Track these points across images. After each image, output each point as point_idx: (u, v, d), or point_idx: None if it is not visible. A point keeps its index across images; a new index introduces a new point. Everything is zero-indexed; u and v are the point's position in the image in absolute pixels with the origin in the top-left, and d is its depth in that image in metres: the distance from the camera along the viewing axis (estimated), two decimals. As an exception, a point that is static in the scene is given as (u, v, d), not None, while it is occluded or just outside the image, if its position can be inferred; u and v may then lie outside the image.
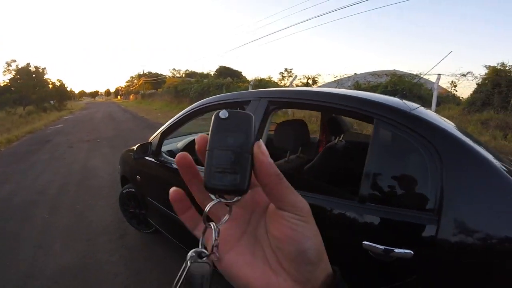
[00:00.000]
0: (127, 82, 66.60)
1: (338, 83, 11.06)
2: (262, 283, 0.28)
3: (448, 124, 1.29)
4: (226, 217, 0.28)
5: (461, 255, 0.96)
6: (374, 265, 1.09)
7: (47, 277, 2.28)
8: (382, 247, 1.04)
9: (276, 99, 1.54)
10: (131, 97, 48.66)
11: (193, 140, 2.24)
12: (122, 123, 13.30)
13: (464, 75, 8.26)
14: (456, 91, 10.29)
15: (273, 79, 16.50)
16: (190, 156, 0.28)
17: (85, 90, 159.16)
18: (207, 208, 0.28)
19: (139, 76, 50.73)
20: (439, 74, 6.43)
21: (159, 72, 45.98)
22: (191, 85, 19.79)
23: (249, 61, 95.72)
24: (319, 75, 13.53)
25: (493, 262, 0.94)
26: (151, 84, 41.80)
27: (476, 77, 8.65)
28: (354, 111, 1.26)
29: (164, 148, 2.34)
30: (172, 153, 2.38)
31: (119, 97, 66.63)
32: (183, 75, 42.57)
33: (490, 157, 1.05)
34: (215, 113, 0.27)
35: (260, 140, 0.27)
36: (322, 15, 16.27)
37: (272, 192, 0.27)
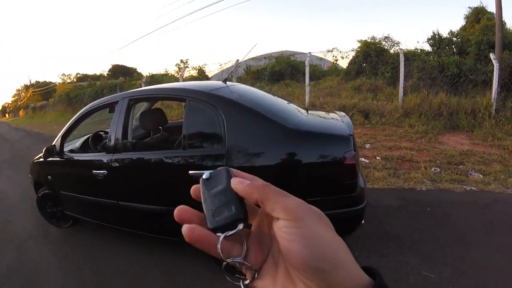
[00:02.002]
0: (13, 96, 57.74)
1: (224, 71, 12.36)
2: None
3: (246, 92, 2.38)
4: (244, 248, 0.34)
5: (242, 166, 2.01)
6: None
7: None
8: (199, 172, 2.07)
9: (132, 97, 2.50)
10: (21, 112, 42.79)
11: (87, 139, 3.05)
12: (17, 142, 12.39)
13: (330, 50, 10.30)
14: (337, 64, 12.49)
15: (169, 71, 17.19)
16: (195, 231, 0.33)
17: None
18: (218, 246, 0.32)
19: (26, 87, 44.64)
20: (310, 53, 8.06)
21: (48, 80, 41.35)
22: (84, 90, 19.39)
23: (145, 56, 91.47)
24: (206, 64, 14.84)
25: (255, 166, 1.99)
26: (41, 95, 37.53)
27: (353, 50, 10.74)
28: (176, 96, 2.33)
29: (65, 148, 3.07)
30: (72, 151, 3.12)
31: (7, 115, 57.39)
32: (75, 80, 39.28)
33: (258, 106, 2.12)
34: (201, 178, 0.37)
35: (234, 178, 0.34)
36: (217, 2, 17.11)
37: (263, 203, 0.31)
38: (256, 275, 0.33)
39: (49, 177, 3.16)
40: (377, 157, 4.89)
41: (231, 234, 0.33)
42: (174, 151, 2.28)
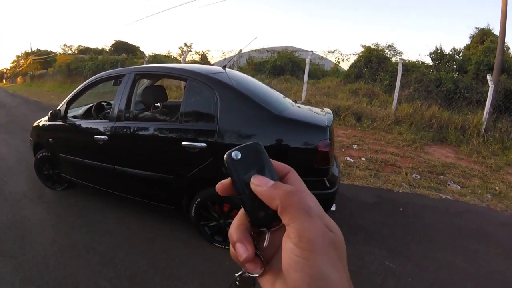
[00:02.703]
0: (12, 62, 57.11)
1: (226, 60, 12.61)
2: None
3: (242, 79, 2.65)
4: (268, 234, 0.33)
5: (230, 143, 2.26)
6: (189, 155, 2.38)
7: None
8: (191, 143, 2.33)
9: (139, 72, 2.78)
10: (19, 79, 42.54)
11: (90, 108, 3.30)
12: (14, 108, 12.50)
13: (331, 51, 10.58)
14: (340, 66, 12.81)
15: (172, 54, 17.54)
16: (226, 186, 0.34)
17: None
18: (266, 243, 0.33)
19: (27, 54, 44.26)
20: (311, 51, 8.30)
21: (49, 49, 41.08)
22: (84, 63, 19.38)
23: (149, 35, 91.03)
24: (209, 51, 15.14)
25: (241, 144, 2.31)
26: (40, 64, 37.32)
27: (354, 54, 11.03)
28: (178, 75, 2.61)
29: (69, 114, 3.31)
30: (75, 117, 3.36)
31: (4, 81, 56.81)
32: (76, 52, 39.06)
33: (250, 92, 2.38)
34: (227, 154, 0.32)
35: (254, 177, 0.32)
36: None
37: (281, 214, 0.30)
38: (262, 272, 0.32)
39: (50, 139, 3.40)
40: (362, 158, 5.16)
41: (274, 229, 0.33)
42: (171, 123, 2.55)
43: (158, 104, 3.55)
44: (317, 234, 0.28)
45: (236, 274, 0.34)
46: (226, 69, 2.72)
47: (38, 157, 3.64)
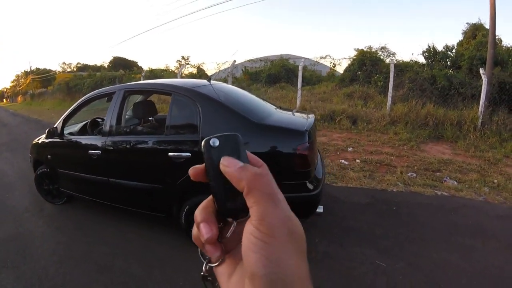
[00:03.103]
0: (12, 82, 58.32)
1: (220, 71, 12.95)
2: None
3: (226, 90, 2.82)
4: (234, 224, 0.33)
5: None
6: (176, 165, 2.51)
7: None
8: (177, 153, 2.47)
9: (128, 89, 2.95)
10: (19, 98, 43.37)
11: (85, 124, 3.47)
12: (15, 127, 12.79)
13: (323, 57, 10.78)
14: (335, 70, 12.99)
15: (170, 67, 18.17)
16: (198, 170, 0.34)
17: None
18: (230, 232, 0.33)
19: (26, 73, 45.15)
20: (304, 58, 8.49)
21: (48, 68, 42.02)
22: (83, 80, 20.01)
23: (147, 50, 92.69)
24: (204, 63, 15.59)
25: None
26: (40, 82, 38.14)
27: (346, 58, 11.20)
28: (163, 90, 2.82)
29: (65, 131, 3.50)
30: (71, 134, 3.54)
31: (4, 100, 57.89)
32: (75, 69, 39.88)
33: (232, 102, 2.53)
34: (204, 141, 0.33)
35: (223, 158, 0.32)
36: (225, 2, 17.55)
37: (247, 196, 0.30)
38: (220, 261, 0.33)
39: (48, 156, 3.59)
40: (357, 160, 5.25)
41: (240, 221, 0.32)
42: (158, 136, 2.74)
43: (152, 118, 3.72)
44: (278, 221, 0.28)
45: (203, 269, 0.35)
46: (212, 81, 2.87)
47: (38, 173, 3.80)
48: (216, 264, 0.34)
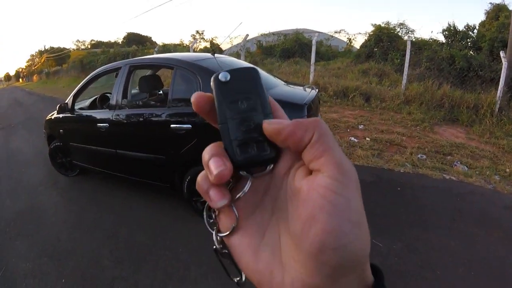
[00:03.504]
0: (27, 61, 59.64)
1: (233, 46, 12.91)
2: (261, 279, 0.24)
3: (231, 63, 2.91)
4: (248, 184, 0.26)
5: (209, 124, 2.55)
6: (177, 136, 2.62)
7: (6, 219, 3.23)
8: (178, 125, 2.57)
9: (133, 64, 3.06)
10: (35, 77, 44.43)
11: (95, 99, 3.63)
12: (31, 106, 13.20)
13: (337, 32, 10.53)
14: (352, 46, 12.71)
15: (184, 42, 18.08)
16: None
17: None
18: (247, 188, 0.26)
19: (41, 53, 45.92)
20: (318, 32, 8.32)
21: (62, 46, 42.52)
22: (97, 57, 20.29)
23: (161, 25, 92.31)
24: (216, 37, 15.58)
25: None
26: (54, 61, 38.75)
27: (362, 34, 10.92)
28: (166, 64, 2.89)
29: (76, 107, 3.66)
30: (82, 109, 3.71)
31: (21, 79, 59.45)
32: (89, 46, 40.16)
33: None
34: (213, 77, 0.26)
35: (267, 120, 0.25)
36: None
37: (313, 146, 0.23)
38: (234, 229, 0.26)
39: (61, 130, 3.80)
40: (367, 138, 5.22)
41: (258, 176, 0.26)
42: (160, 108, 2.82)
43: (160, 92, 3.84)
44: (352, 167, 0.23)
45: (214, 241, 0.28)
46: (216, 55, 2.93)
47: (52, 147, 4.02)
48: (227, 233, 0.26)
